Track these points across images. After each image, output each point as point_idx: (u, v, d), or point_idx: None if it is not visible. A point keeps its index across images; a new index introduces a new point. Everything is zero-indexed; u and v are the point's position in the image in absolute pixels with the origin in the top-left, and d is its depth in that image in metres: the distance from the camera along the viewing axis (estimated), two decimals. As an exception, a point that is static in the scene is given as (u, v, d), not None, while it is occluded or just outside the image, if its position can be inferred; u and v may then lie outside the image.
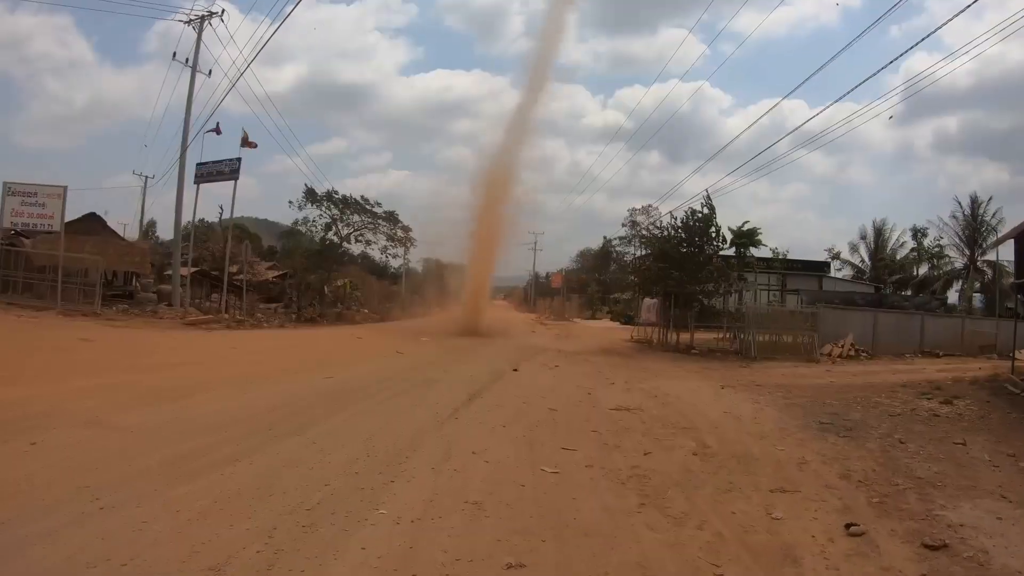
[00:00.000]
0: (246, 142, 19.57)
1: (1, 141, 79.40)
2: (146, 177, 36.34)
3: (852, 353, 19.88)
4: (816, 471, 5.64)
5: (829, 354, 19.11)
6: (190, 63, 23.17)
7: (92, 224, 24.38)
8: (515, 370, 11.92)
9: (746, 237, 21.95)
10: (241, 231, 53.53)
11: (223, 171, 20.30)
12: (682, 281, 18.85)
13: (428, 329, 19.91)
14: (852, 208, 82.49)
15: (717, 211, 19.69)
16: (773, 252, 30.19)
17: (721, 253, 20.45)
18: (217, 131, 20.48)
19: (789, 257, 35.84)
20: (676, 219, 19.92)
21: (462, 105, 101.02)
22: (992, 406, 9.09)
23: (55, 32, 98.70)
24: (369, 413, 6.71)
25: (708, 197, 19.71)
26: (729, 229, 21.22)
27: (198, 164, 21.31)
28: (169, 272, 23.58)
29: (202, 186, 22.23)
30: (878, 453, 6.30)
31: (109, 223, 26.12)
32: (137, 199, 36.66)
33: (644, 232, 20.06)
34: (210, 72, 23.85)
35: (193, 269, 24.50)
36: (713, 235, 19.62)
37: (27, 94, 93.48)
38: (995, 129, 70.90)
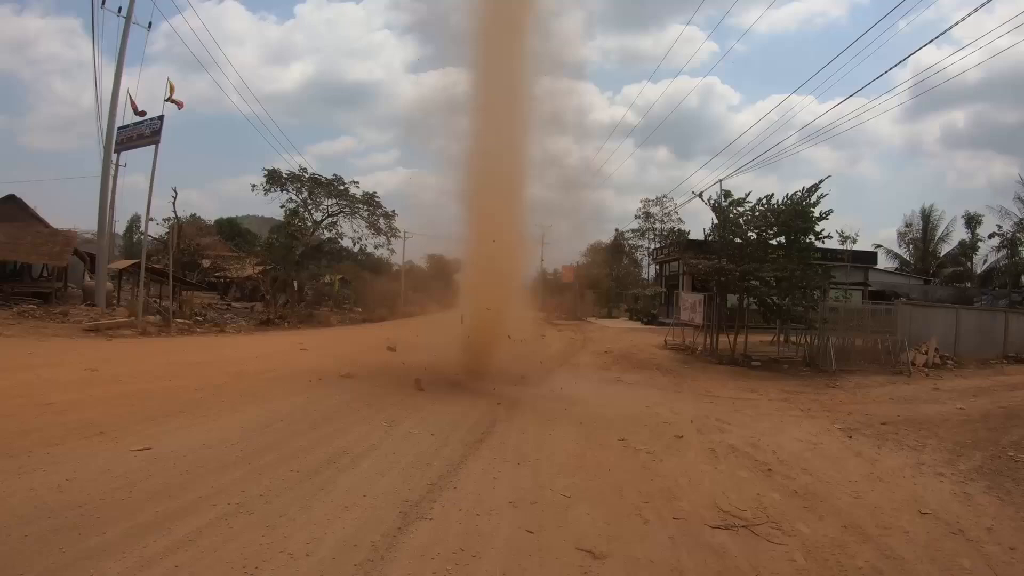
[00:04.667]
0: (172, 99, 15.37)
1: (8, 142, 77.65)
2: (116, 167, 32.09)
3: (938, 361, 15.85)
4: None
5: (913, 362, 15.13)
6: (123, 13, 19.20)
7: (9, 208, 20.39)
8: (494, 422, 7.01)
9: (800, 220, 17.80)
10: (231, 228, 49.91)
11: (144, 134, 15.92)
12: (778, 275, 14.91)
13: (411, 335, 14.64)
14: (863, 203, 77.93)
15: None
16: (841, 237, 24.21)
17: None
18: (168, 100, 15.90)
19: (845, 246, 30.40)
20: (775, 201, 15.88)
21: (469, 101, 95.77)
22: None
23: (62, 34, 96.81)
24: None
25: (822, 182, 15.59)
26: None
27: (119, 128, 17.10)
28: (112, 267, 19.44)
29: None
30: None
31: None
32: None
33: (738, 215, 15.96)
34: (149, 24, 19.85)
35: (130, 263, 20.42)
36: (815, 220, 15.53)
37: (34, 95, 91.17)
38: (1004, 123, 66.87)
